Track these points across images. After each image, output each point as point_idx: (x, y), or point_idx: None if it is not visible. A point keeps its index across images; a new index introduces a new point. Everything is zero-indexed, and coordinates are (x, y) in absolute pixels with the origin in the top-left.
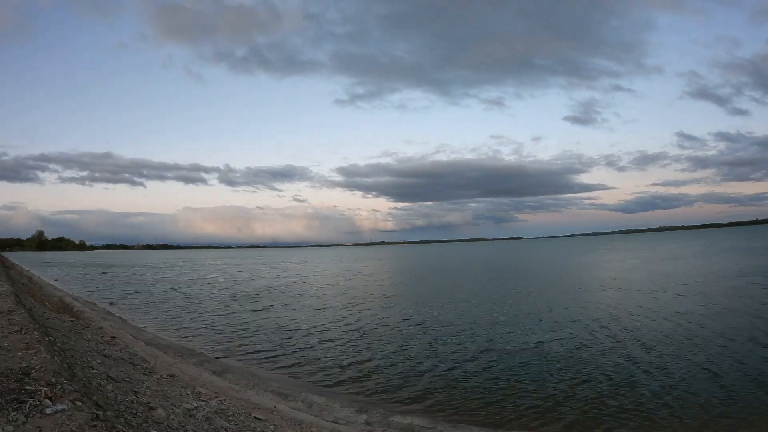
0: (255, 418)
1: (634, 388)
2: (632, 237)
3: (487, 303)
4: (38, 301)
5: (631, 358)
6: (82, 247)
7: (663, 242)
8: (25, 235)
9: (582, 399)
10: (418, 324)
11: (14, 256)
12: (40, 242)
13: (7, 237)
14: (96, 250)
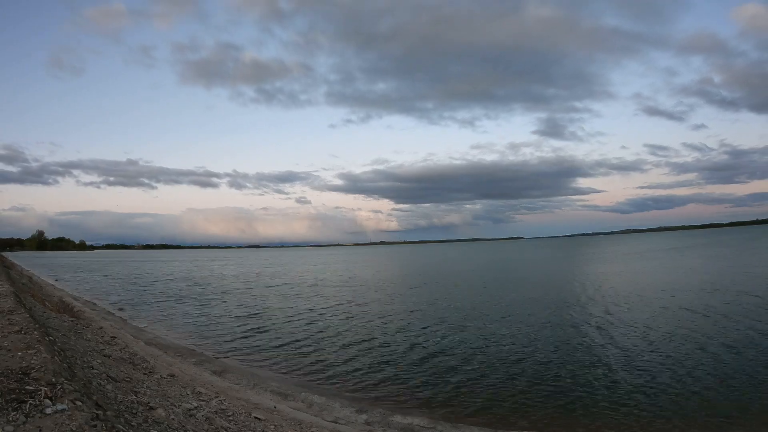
0: (255, 418)
1: (636, 387)
2: (639, 236)
3: (488, 302)
4: (38, 301)
5: (636, 356)
6: (82, 246)
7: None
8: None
9: (583, 398)
10: (418, 324)
11: (12, 257)
12: (40, 242)
13: (12, 237)
14: (96, 250)
